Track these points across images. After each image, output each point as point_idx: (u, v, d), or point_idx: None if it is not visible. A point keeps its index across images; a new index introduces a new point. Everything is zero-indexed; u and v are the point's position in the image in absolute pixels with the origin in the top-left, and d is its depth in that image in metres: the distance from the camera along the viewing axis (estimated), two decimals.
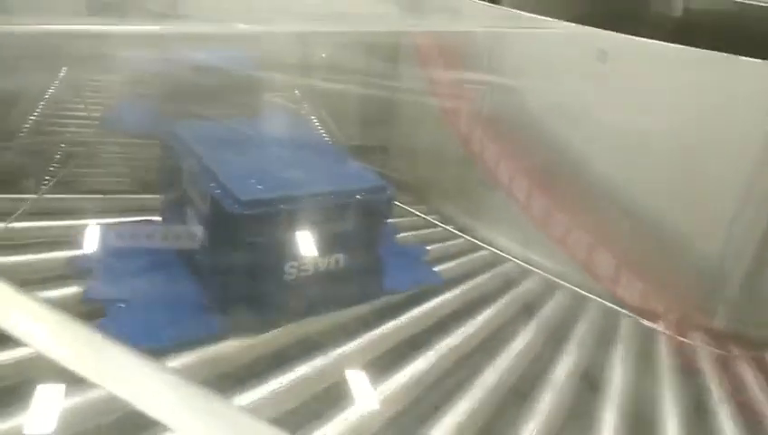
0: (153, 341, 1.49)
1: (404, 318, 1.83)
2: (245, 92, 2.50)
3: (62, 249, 1.78)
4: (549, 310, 2.08)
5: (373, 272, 1.87)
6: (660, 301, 2.12)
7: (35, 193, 2.03)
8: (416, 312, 1.88)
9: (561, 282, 2.23)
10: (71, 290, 1.62)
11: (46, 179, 2.16)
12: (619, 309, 2.13)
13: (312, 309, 1.72)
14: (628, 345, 1.95)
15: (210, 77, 2.34)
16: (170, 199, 1.93)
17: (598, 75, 2.13)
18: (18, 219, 1.81)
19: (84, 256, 1.76)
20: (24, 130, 2.40)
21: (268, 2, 2.77)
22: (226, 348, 1.54)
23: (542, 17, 2.37)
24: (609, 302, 2.16)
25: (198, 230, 1.73)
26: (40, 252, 1.75)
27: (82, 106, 2.70)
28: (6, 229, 1.75)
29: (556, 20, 2.32)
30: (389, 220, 2.25)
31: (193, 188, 1.74)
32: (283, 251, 1.64)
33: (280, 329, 1.63)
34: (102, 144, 2.53)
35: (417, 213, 2.60)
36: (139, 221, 1.96)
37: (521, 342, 1.84)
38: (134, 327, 1.55)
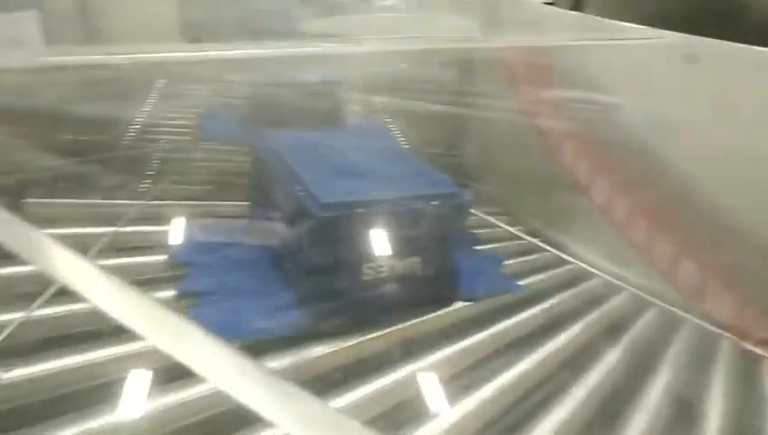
0: (238, 332, 1.59)
1: (486, 334, 1.79)
2: (331, 107, 2.60)
3: (160, 253, 1.92)
4: (639, 328, 1.96)
5: (449, 277, 1.92)
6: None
7: (136, 199, 2.17)
8: (500, 326, 1.84)
9: (654, 300, 2.09)
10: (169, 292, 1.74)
11: (145, 186, 2.31)
12: (719, 331, 1.96)
13: (388, 310, 1.77)
14: (727, 369, 1.80)
15: (298, 93, 2.44)
16: (259, 202, 2.07)
17: (691, 84, 2.00)
18: (125, 224, 1.96)
19: (180, 254, 1.91)
20: (125, 140, 2.55)
21: (380, 23, 2.87)
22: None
23: (629, 24, 2.27)
24: (707, 323, 1.99)
25: (279, 228, 1.87)
26: (144, 254, 1.90)
27: (178, 116, 2.87)
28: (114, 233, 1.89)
29: (645, 27, 2.21)
30: (469, 230, 2.33)
31: (280, 192, 1.86)
32: (360, 252, 1.72)
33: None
34: (197, 152, 2.68)
35: (501, 224, 2.56)
36: (223, 219, 2.09)
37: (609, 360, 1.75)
38: (222, 318, 1.67)
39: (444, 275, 1.90)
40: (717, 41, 1.93)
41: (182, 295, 1.75)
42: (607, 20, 2.38)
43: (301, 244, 1.77)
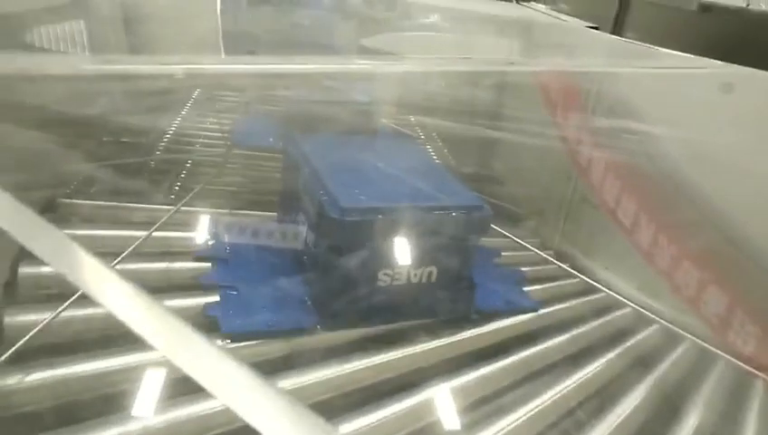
0: (253, 324, 1.71)
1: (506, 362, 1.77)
2: (365, 120, 2.60)
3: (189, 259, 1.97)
4: (668, 364, 1.89)
5: (465, 289, 1.93)
6: None
7: (170, 205, 2.20)
8: (522, 355, 1.81)
9: (684, 333, 1.99)
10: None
11: (175, 191, 2.37)
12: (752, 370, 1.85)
13: (401, 317, 1.82)
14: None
15: (342, 111, 2.46)
16: (287, 206, 2.13)
17: (731, 114, 1.94)
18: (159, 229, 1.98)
19: (205, 250, 2.01)
20: (161, 146, 2.60)
21: (425, 42, 2.89)
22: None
23: (670, 51, 2.22)
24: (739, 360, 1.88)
25: (302, 231, 1.92)
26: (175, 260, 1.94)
27: (213, 122, 2.91)
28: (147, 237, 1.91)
29: (688, 55, 2.16)
30: (493, 248, 2.33)
31: (306, 195, 1.91)
32: (377, 258, 1.75)
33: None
34: (231, 159, 2.72)
35: (530, 247, 2.48)
36: (249, 219, 2.14)
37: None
38: (239, 310, 1.76)
39: (459, 287, 1.92)
40: (760, 71, 1.89)
41: (205, 287, 1.83)
42: (648, 46, 2.33)
43: (319, 245, 1.83)
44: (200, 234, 2.08)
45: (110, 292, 0.65)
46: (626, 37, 2.70)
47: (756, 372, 1.83)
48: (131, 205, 2.15)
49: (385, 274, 1.76)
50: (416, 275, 1.80)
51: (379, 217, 1.72)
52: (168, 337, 0.62)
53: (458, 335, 1.84)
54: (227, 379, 0.60)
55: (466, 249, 1.91)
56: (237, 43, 3.09)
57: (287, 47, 2.94)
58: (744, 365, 1.86)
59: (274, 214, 2.24)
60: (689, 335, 1.97)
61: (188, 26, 3.03)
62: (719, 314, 1.98)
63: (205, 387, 0.60)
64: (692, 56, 2.19)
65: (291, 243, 1.99)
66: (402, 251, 1.77)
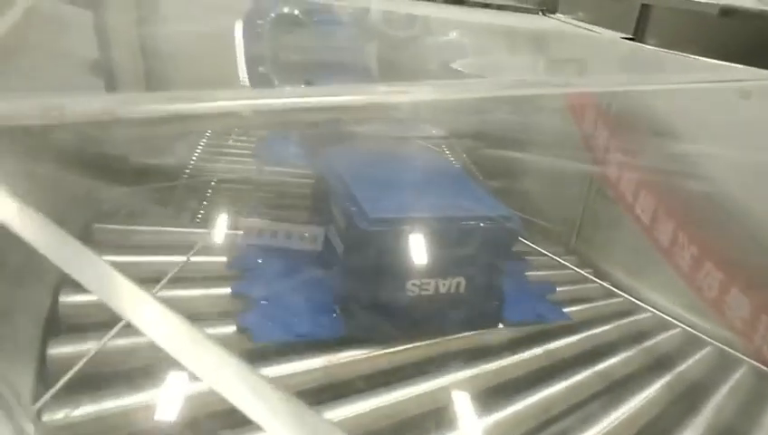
0: (284, 334, 1.75)
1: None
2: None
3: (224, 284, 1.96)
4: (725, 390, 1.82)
5: (493, 300, 1.95)
6: None
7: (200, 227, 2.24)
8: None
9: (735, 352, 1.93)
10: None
11: (203, 212, 2.37)
12: None
13: (431, 328, 1.84)
14: None
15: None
16: (318, 219, 2.16)
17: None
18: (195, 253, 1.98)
19: (237, 262, 2.05)
20: (189, 167, 2.63)
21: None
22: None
23: (717, 61, 2.17)
24: None
25: (332, 241, 1.94)
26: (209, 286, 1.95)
27: (240, 143, 2.94)
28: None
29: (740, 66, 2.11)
30: (523, 258, 2.35)
31: (335, 207, 1.95)
32: (405, 269, 1.77)
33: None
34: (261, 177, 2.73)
35: (569, 265, 2.45)
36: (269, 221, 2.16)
37: None
38: (271, 320, 1.80)
39: (489, 299, 1.92)
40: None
41: (235, 296, 1.89)
42: (686, 55, 2.30)
43: (348, 256, 1.85)
44: (230, 247, 2.11)
45: (154, 320, 0.64)
46: (647, 44, 2.66)
47: None
48: (163, 229, 2.19)
49: (413, 284, 1.78)
50: (444, 285, 1.81)
51: (407, 227, 1.75)
52: (213, 367, 0.61)
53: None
54: (274, 409, 0.59)
55: (495, 260, 1.92)
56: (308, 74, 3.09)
57: (335, 74, 2.93)
58: None
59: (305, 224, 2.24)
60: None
61: (212, 60, 3.08)
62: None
63: (252, 418, 0.58)
64: (734, 65, 2.15)
65: (303, 244, 2.05)
66: (430, 262, 1.78)
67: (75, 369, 1.33)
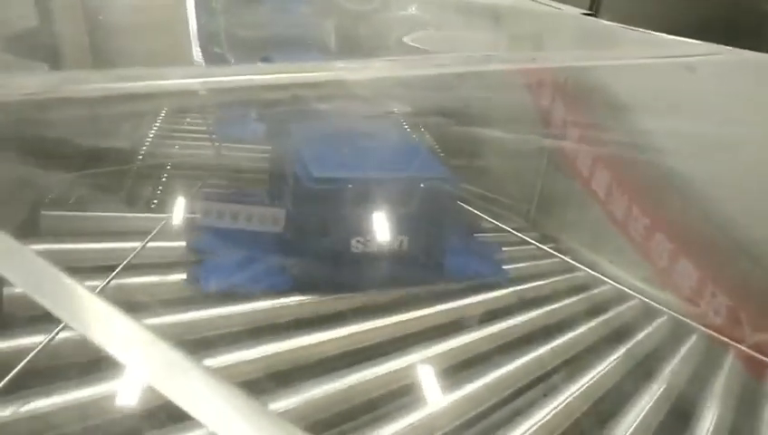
0: (232, 285, 1.84)
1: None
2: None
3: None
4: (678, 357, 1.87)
5: (434, 258, 2.05)
6: None
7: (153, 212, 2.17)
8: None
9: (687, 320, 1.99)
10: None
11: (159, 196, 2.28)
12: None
13: (373, 283, 1.92)
14: None
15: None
16: (273, 187, 2.26)
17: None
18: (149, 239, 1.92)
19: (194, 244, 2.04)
20: (143, 150, 2.54)
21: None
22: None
23: (679, 38, 2.20)
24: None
25: (281, 214, 2.03)
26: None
27: (196, 124, 2.85)
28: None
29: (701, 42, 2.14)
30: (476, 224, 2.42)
31: (286, 170, 2.05)
32: (349, 226, 1.87)
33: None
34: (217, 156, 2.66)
35: (529, 239, 2.47)
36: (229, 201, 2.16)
37: None
38: (220, 273, 1.89)
39: (430, 256, 2.03)
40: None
41: (189, 250, 1.97)
42: (655, 33, 2.32)
43: (295, 213, 1.98)
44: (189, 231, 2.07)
45: (92, 320, 0.61)
46: (604, 19, 2.68)
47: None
48: (117, 214, 2.11)
49: (357, 241, 1.88)
50: (387, 243, 1.92)
51: (349, 186, 1.85)
52: (155, 364, 0.58)
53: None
54: (219, 405, 0.56)
55: (435, 219, 2.03)
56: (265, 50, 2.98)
57: (293, 50, 2.85)
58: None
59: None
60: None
61: (163, 35, 2.96)
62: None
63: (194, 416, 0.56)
64: (686, 40, 2.18)
65: (264, 226, 2.07)
66: (373, 219, 1.90)
67: (21, 364, 1.28)
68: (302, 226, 1.95)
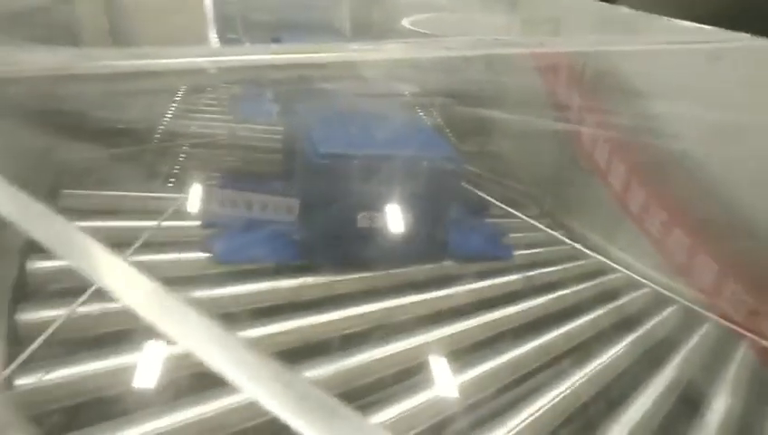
0: (246, 257, 1.95)
1: None
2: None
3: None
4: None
5: (438, 235, 2.09)
6: None
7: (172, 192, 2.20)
8: None
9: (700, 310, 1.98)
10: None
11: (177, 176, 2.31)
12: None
13: (379, 258, 1.98)
14: None
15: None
16: (285, 165, 2.32)
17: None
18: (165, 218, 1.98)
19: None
20: (161, 129, 2.56)
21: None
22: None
23: (695, 24, 2.17)
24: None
25: (295, 203, 2.08)
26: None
27: (212, 104, 2.86)
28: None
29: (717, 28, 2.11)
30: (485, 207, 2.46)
31: (297, 151, 2.13)
32: (355, 202, 1.92)
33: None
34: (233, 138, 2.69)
35: (539, 225, 2.46)
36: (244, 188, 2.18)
37: None
38: (235, 246, 1.99)
39: (434, 233, 2.06)
40: None
41: (204, 226, 2.06)
42: (675, 20, 2.28)
43: (303, 189, 2.05)
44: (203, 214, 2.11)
45: (126, 283, 0.63)
46: (621, 5, 2.64)
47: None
48: (134, 194, 2.14)
49: (363, 216, 1.93)
50: (392, 219, 1.96)
51: (355, 162, 1.88)
52: (188, 330, 0.60)
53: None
54: (253, 371, 0.58)
55: (441, 198, 2.06)
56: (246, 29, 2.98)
57: (306, 33, 2.85)
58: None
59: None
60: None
61: (180, 18, 2.96)
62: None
63: (230, 380, 0.58)
64: (706, 27, 2.15)
65: (277, 215, 2.12)
66: (378, 195, 1.93)
67: (46, 334, 1.32)
68: (310, 200, 2.00)
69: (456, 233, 2.18)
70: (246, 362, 0.61)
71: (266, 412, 0.56)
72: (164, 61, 1.11)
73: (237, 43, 3.07)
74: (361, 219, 1.93)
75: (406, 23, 3.05)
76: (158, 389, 1.33)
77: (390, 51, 1.43)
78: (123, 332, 1.45)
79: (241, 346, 0.62)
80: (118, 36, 2.98)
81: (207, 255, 1.93)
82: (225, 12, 3.21)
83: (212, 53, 1.28)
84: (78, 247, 0.68)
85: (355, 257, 1.97)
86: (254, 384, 0.59)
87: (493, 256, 2.25)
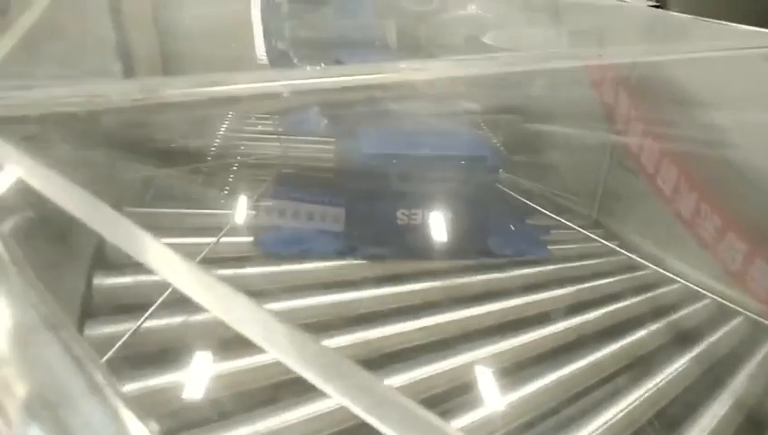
0: (292, 248, 2.06)
1: None
2: None
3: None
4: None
5: (476, 233, 2.18)
6: None
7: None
8: None
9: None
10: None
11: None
12: None
13: (418, 253, 2.09)
14: None
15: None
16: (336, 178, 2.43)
17: None
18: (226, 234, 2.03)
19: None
20: (212, 150, 2.63)
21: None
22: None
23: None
24: None
25: (341, 212, 2.19)
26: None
27: (262, 121, 2.93)
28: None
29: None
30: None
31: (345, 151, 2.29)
32: (394, 199, 2.06)
33: None
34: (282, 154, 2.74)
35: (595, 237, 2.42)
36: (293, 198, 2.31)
37: None
38: (282, 238, 2.12)
39: (472, 231, 2.15)
40: None
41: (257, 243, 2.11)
42: (729, 24, 2.23)
43: (350, 188, 2.16)
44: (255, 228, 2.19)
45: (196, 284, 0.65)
46: (673, 11, 2.59)
47: None
48: (189, 211, 2.21)
49: (402, 213, 2.05)
50: (430, 216, 2.08)
51: (395, 162, 2.02)
52: (276, 338, 0.62)
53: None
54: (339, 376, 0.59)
55: (479, 196, 2.17)
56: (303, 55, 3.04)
57: (358, 51, 2.90)
58: None
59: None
60: None
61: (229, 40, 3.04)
62: None
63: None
64: (763, 30, 2.09)
65: (325, 224, 2.22)
66: (417, 194, 2.06)
67: (118, 345, 1.37)
68: (355, 198, 2.13)
69: (495, 231, 2.26)
70: (331, 367, 0.61)
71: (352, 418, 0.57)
72: (241, 86, 1.16)
73: (286, 57, 3.14)
74: (401, 216, 2.06)
75: (463, 38, 3.07)
76: (222, 401, 1.36)
77: (450, 68, 1.45)
78: (190, 345, 1.49)
79: (327, 352, 0.63)
80: (169, 61, 3.08)
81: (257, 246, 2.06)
82: (274, 29, 3.28)
83: (284, 77, 1.33)
84: (149, 249, 0.72)
85: (396, 254, 2.08)
86: (340, 391, 0.59)
87: (529, 254, 2.28)
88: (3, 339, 0.52)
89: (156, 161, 2.33)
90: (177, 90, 1.09)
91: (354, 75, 1.46)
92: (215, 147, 2.67)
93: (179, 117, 1.56)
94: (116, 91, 1.00)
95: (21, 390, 0.47)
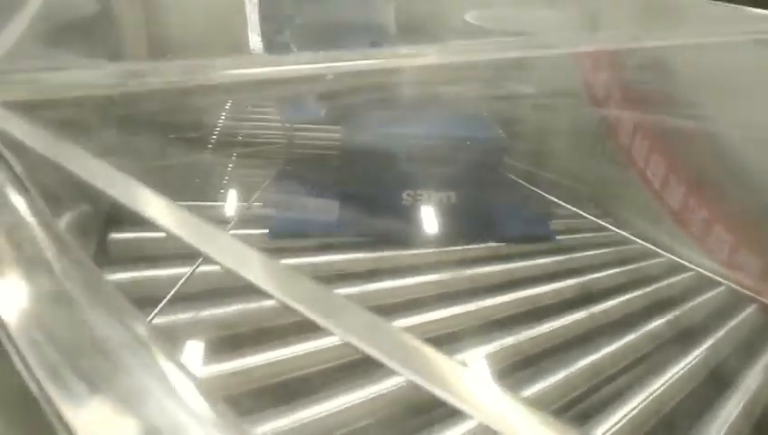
0: (296, 231, 2.03)
1: None
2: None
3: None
4: None
5: (482, 215, 2.18)
6: None
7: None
8: None
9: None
10: None
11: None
12: None
13: (424, 236, 2.04)
14: None
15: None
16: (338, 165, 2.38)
17: None
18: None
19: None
20: (213, 138, 2.54)
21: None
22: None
23: None
24: None
25: (335, 205, 2.14)
26: None
27: (262, 107, 2.84)
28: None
29: None
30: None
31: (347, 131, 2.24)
32: (400, 180, 2.05)
33: None
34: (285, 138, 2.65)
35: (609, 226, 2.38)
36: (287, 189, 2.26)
37: None
38: (286, 224, 2.07)
39: (477, 213, 2.16)
40: None
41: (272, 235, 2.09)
42: (739, 6, 2.21)
43: (354, 168, 2.16)
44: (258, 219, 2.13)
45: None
46: None
47: None
48: (186, 203, 2.11)
49: (408, 194, 2.02)
50: (435, 197, 2.06)
51: (400, 141, 2.00)
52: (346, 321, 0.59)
53: None
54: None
55: (483, 177, 2.17)
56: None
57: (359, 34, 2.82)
58: None
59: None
60: None
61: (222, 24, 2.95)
62: None
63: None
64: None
65: (318, 214, 2.14)
66: (422, 175, 2.04)
67: (172, 292, 1.31)
68: (359, 178, 2.12)
69: (499, 212, 2.25)
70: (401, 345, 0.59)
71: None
72: (285, 68, 1.09)
73: (284, 44, 3.05)
74: (406, 197, 2.04)
75: (469, 18, 3.01)
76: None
77: (499, 49, 1.40)
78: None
79: (394, 330, 0.61)
80: (158, 45, 2.97)
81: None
82: (270, 14, 3.18)
83: (328, 59, 1.27)
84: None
85: (401, 235, 2.02)
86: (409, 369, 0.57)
87: (533, 233, 2.26)
88: None
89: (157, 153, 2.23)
90: (218, 72, 1.01)
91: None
92: (215, 136, 2.57)
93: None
94: (155, 71, 0.93)
95: None
